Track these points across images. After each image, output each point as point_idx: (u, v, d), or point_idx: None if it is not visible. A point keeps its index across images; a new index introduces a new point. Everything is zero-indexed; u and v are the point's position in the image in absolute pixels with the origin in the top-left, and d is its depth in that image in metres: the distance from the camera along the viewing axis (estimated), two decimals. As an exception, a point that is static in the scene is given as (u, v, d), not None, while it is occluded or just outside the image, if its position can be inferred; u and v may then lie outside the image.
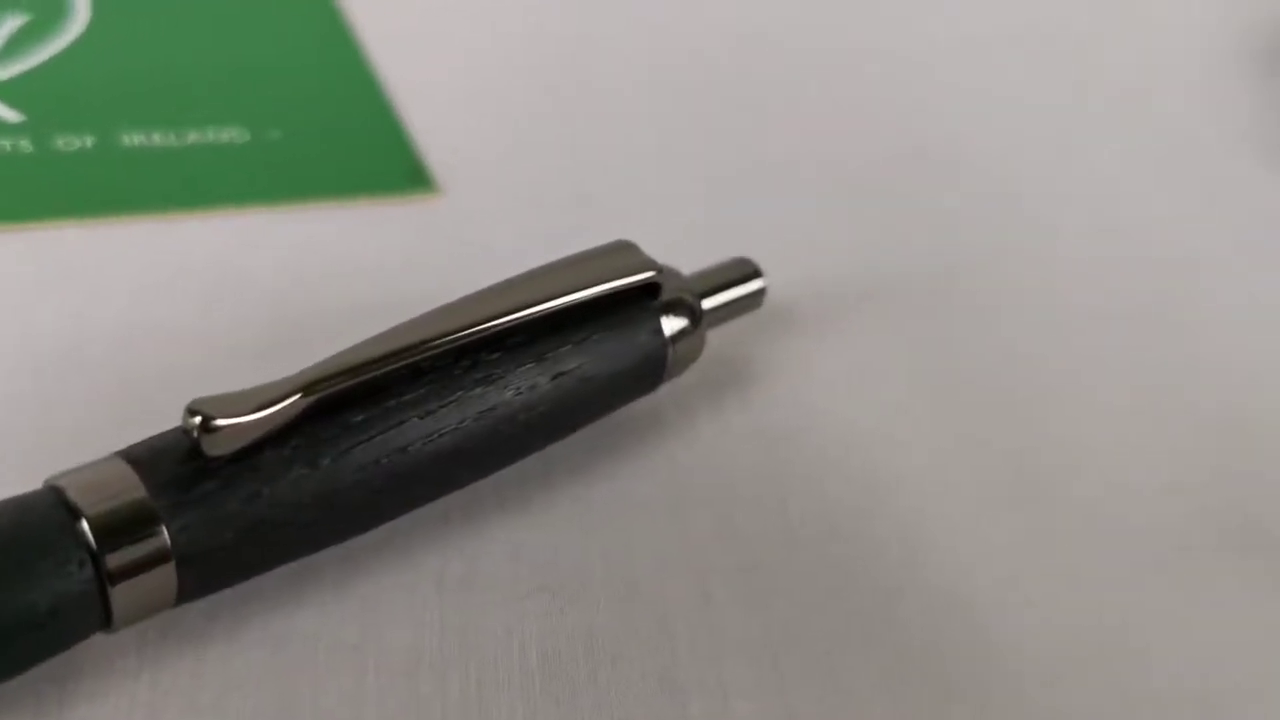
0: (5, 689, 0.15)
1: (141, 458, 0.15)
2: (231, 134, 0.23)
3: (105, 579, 0.15)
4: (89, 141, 0.22)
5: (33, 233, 0.21)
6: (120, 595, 0.15)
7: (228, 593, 0.16)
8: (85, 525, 0.15)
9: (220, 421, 0.15)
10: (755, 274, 0.21)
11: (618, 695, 0.17)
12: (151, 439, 0.16)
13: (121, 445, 0.16)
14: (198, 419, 0.15)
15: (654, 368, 0.19)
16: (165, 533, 0.15)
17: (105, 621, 0.15)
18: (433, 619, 0.17)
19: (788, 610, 0.18)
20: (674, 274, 0.20)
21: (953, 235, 0.25)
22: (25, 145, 0.22)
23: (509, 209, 0.24)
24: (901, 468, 0.20)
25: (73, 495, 0.15)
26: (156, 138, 0.23)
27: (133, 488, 0.15)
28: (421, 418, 0.17)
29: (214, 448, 0.15)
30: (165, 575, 0.15)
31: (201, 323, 0.21)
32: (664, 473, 0.20)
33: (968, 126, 0.28)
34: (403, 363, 0.17)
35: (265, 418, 0.15)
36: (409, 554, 0.18)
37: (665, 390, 0.20)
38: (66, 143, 0.22)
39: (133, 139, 0.22)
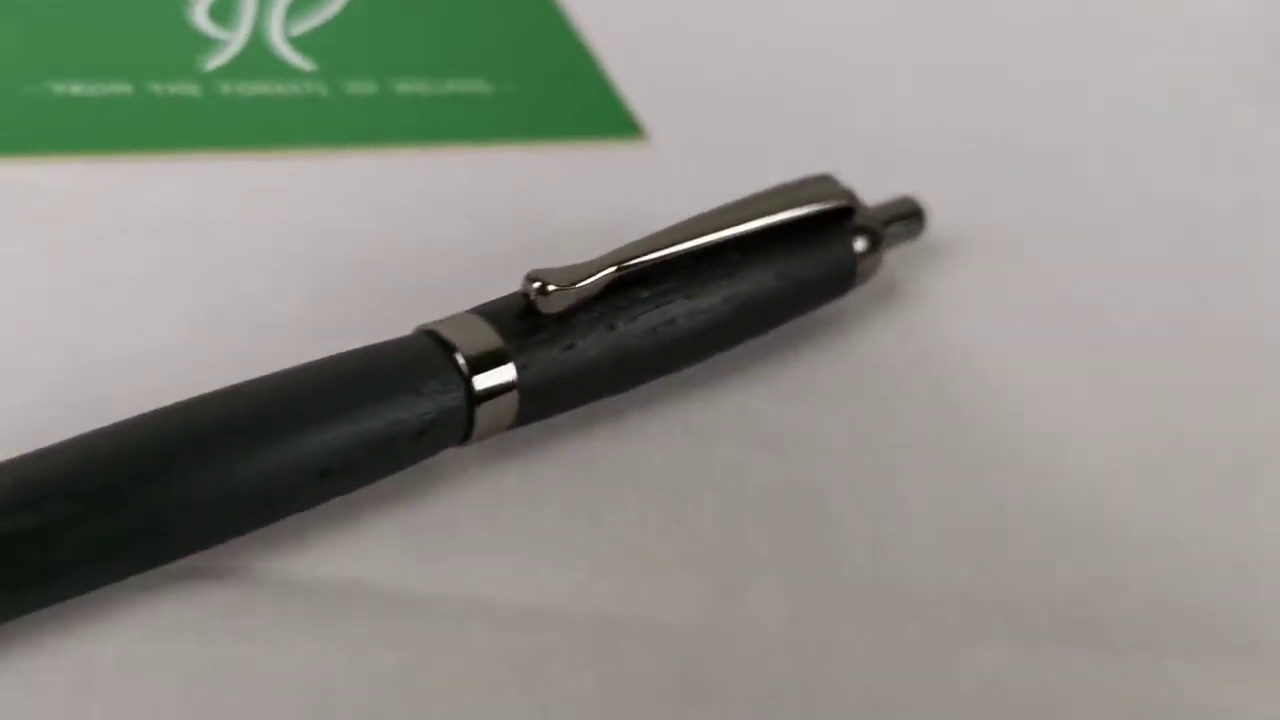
0: (385, 484, 0.20)
1: (490, 313, 0.20)
2: (477, 85, 0.28)
3: (472, 400, 0.20)
4: (371, 88, 0.27)
5: (325, 158, 0.26)
6: (481, 414, 0.20)
7: (543, 423, 0.21)
8: (460, 357, 0.19)
9: (552, 287, 0.20)
10: (918, 210, 0.26)
11: (835, 528, 0.21)
12: (494, 301, 0.21)
13: (407, 329, 0.21)
14: (536, 284, 0.20)
15: (845, 278, 0.24)
16: (513, 368, 0.20)
17: (464, 437, 0.20)
18: (682, 457, 0.22)
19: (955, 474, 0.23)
20: (861, 204, 0.25)
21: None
22: (321, 89, 0.27)
23: (709, 153, 0.28)
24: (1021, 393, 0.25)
25: (446, 335, 0.20)
26: (422, 86, 0.28)
27: (488, 333, 0.20)
28: (687, 298, 0.22)
29: (546, 307, 0.20)
30: (510, 402, 0.20)
31: (459, 236, 0.26)
32: (842, 362, 0.25)
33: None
34: (678, 250, 0.21)
35: (584, 286, 0.20)
36: (666, 405, 0.22)
37: (846, 298, 0.25)
38: (353, 88, 0.27)
39: (405, 86, 0.27)
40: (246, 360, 0.19)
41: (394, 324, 0.20)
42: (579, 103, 0.29)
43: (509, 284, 0.21)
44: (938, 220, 0.26)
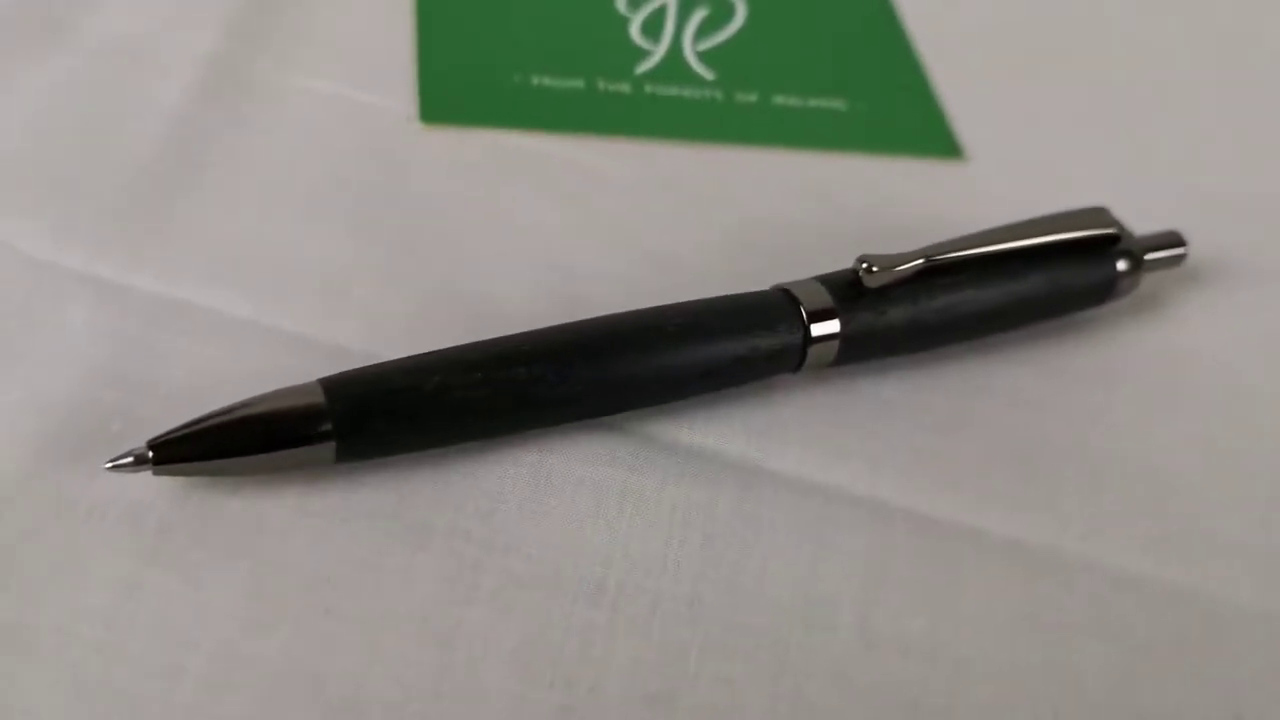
0: (737, 391, 0.28)
1: (827, 280, 0.28)
2: (836, 103, 0.36)
3: (807, 341, 0.28)
4: (754, 97, 0.36)
5: (717, 151, 0.35)
6: (812, 352, 0.28)
7: (851, 366, 0.29)
8: (803, 309, 0.28)
9: (876, 268, 0.28)
10: (1181, 242, 0.32)
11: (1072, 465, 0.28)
12: (831, 273, 0.29)
13: (767, 284, 0.29)
14: (865, 265, 0.28)
15: (1104, 290, 0.31)
16: (838, 323, 0.28)
17: (796, 366, 0.28)
18: (952, 404, 0.29)
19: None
20: (1129, 233, 0.31)
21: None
22: (718, 95, 0.35)
23: (1019, 175, 0.35)
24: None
25: (794, 292, 0.28)
26: (794, 100, 0.36)
27: (824, 295, 0.28)
28: (975, 289, 0.29)
29: (870, 282, 0.28)
30: (833, 347, 0.28)
31: (809, 221, 0.34)
32: (1093, 353, 0.31)
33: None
34: (973, 253, 0.29)
35: (900, 270, 0.28)
36: (947, 366, 0.30)
37: (1105, 307, 0.31)
38: (740, 97, 0.35)
39: (779, 99, 0.36)
40: (656, 289, 0.28)
41: (757, 278, 0.29)
42: (915, 124, 0.36)
43: (841, 262, 0.29)
44: (1208, 253, 0.33)
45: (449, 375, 0.25)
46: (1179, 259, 0.32)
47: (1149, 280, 0.32)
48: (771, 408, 0.28)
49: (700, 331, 0.27)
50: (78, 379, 0.26)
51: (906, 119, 0.36)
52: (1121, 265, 0.31)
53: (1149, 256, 0.31)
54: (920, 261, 0.28)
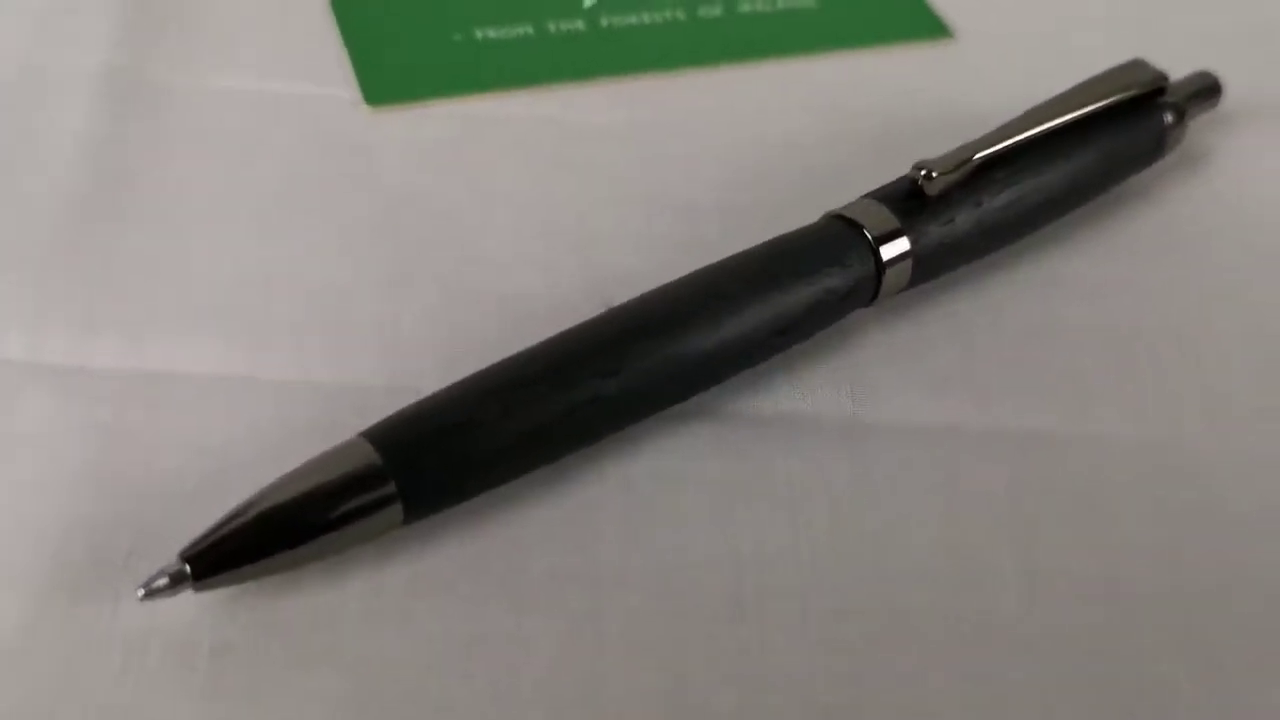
0: (809, 342, 0.25)
1: (882, 196, 0.25)
2: (806, 1, 0.32)
3: (880, 269, 0.24)
4: (718, 10, 0.32)
5: (693, 76, 0.31)
6: (886, 279, 0.24)
7: (916, 290, 0.26)
8: (868, 234, 0.24)
9: (936, 173, 0.25)
10: (1216, 84, 0.29)
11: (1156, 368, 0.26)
12: (883, 186, 0.25)
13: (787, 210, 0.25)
14: (923, 171, 0.25)
15: (1155, 150, 0.28)
16: (907, 241, 0.25)
17: (871, 299, 0.25)
18: (1029, 309, 0.26)
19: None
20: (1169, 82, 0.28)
21: None
22: (679, 14, 0.32)
23: (1012, 48, 0.32)
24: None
25: (854, 217, 0.24)
26: (760, 5, 0.32)
27: (885, 214, 0.25)
28: (1033, 176, 0.26)
29: (931, 190, 0.25)
30: (905, 269, 0.25)
31: (806, 134, 0.30)
32: (1151, 224, 0.29)
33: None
34: (1026, 137, 0.26)
35: (958, 171, 0.25)
36: (1012, 269, 0.27)
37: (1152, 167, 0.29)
38: (705, 11, 0.32)
39: (749, 7, 0.32)
40: (685, 242, 0.25)
41: (789, 209, 0.25)
42: (892, 8, 0.33)
43: (864, 172, 0.26)
44: (1230, 92, 0.30)
45: (509, 398, 0.21)
46: (1214, 101, 0.30)
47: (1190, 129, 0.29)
48: (851, 352, 0.25)
49: (766, 284, 0.23)
50: (62, 492, 0.21)
51: (881, 5, 0.33)
52: (1168, 118, 0.28)
53: (1190, 103, 0.29)
54: (981, 155, 0.25)
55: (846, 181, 0.26)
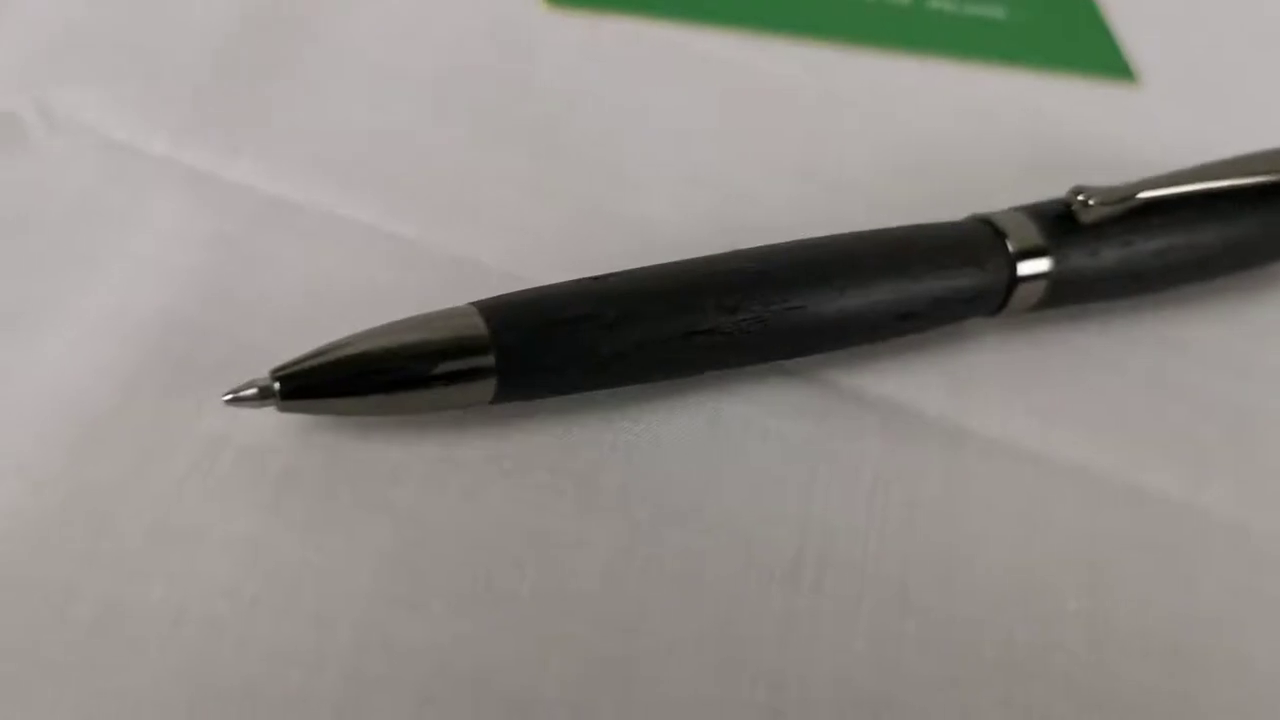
0: (925, 336, 0.24)
1: (1034, 212, 0.24)
2: (995, 10, 0.32)
3: (1013, 282, 0.24)
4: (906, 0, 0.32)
5: (871, 56, 0.30)
6: (1017, 294, 0.24)
7: (1043, 312, 0.25)
8: (1010, 245, 0.24)
9: (1094, 201, 0.24)
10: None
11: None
12: (1038, 203, 0.25)
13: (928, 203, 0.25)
14: (1081, 196, 0.24)
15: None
16: (1049, 262, 0.24)
17: (996, 309, 0.24)
18: (1155, 363, 0.26)
19: None
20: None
21: None
22: (869, -6, 0.31)
23: (1197, 101, 0.31)
24: None
25: (1000, 225, 0.24)
26: (949, 4, 0.32)
27: (1032, 230, 0.24)
28: (1188, 232, 0.25)
29: (1085, 217, 0.24)
30: (1038, 289, 0.24)
31: (970, 140, 0.29)
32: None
33: None
34: (1190, 190, 0.25)
35: (1117, 205, 0.24)
36: (1148, 319, 0.26)
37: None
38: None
39: (938, 4, 0.32)
40: (827, 219, 0.24)
41: (926, 205, 0.25)
42: (1079, 39, 0.32)
43: (1011, 189, 0.25)
44: None
45: (628, 307, 0.21)
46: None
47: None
48: (965, 355, 0.25)
49: (901, 267, 0.23)
50: (172, 288, 0.21)
51: (1070, 33, 0.32)
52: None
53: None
54: (1145, 195, 0.25)
55: (993, 195, 0.25)
